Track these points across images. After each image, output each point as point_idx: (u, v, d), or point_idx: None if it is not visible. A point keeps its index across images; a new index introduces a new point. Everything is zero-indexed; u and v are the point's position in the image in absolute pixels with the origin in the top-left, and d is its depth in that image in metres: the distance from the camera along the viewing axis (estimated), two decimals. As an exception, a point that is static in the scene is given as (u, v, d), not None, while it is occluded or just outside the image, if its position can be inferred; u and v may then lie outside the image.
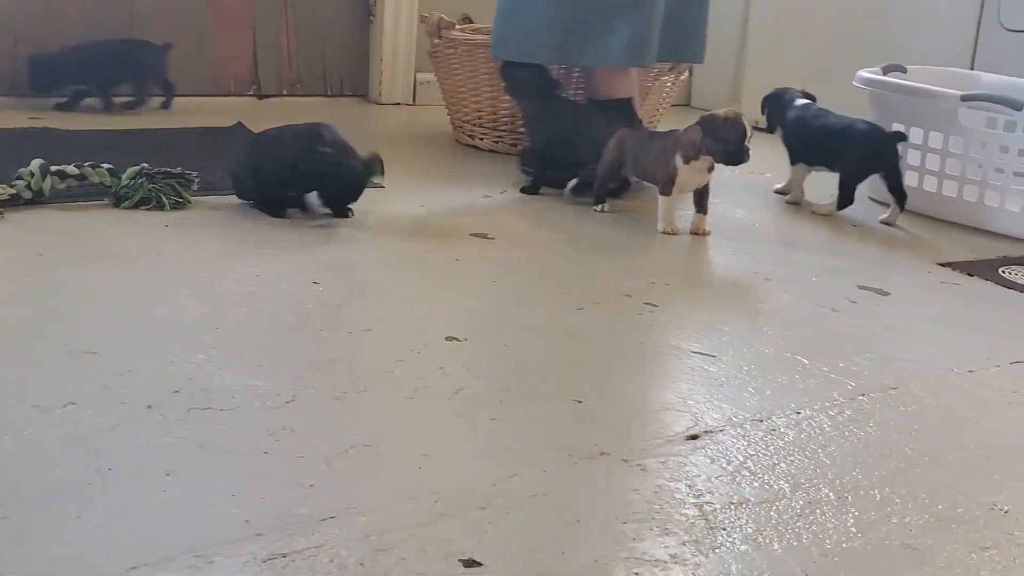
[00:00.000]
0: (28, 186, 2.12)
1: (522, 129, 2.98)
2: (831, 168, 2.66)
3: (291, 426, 1.32)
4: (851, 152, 2.59)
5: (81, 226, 2.07)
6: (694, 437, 1.39)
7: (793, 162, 2.75)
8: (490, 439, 1.34)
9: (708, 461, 1.32)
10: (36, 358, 1.47)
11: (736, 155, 2.25)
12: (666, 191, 2.34)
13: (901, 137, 2.59)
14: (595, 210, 2.45)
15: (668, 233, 2.33)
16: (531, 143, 2.78)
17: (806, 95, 2.83)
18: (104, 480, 1.15)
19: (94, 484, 1.14)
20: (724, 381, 1.58)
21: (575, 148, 2.59)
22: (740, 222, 2.57)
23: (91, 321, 1.62)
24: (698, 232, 2.35)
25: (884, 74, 2.90)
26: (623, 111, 2.71)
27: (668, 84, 3.18)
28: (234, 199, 2.30)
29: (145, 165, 2.21)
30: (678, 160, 2.31)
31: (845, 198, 2.61)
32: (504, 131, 3.09)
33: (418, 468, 1.24)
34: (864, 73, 2.88)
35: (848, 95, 2.96)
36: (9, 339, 1.53)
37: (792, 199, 2.75)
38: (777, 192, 2.82)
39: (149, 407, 1.34)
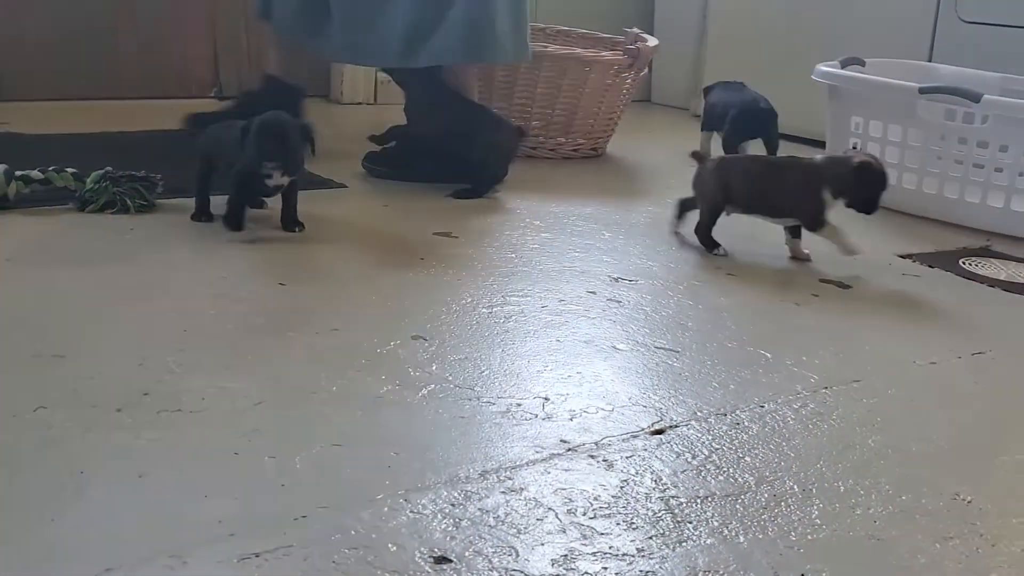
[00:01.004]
0: (-8, 192, 2.11)
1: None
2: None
3: (261, 427, 1.33)
4: (729, 118, 2.99)
5: (46, 231, 2.06)
6: (659, 432, 1.41)
7: (702, 128, 3.19)
8: (461, 437, 1.35)
9: (673, 456, 1.35)
10: (5, 363, 1.46)
11: (872, 204, 2.19)
12: (818, 224, 2.22)
13: (774, 114, 2.96)
14: (716, 254, 2.26)
15: (853, 254, 2.24)
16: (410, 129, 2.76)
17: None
18: (78, 483, 1.16)
19: (68, 487, 1.15)
20: (688, 376, 1.61)
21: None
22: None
23: (58, 325, 1.62)
24: (799, 257, 2.27)
25: (842, 67, 2.95)
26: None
27: (628, 80, 3.20)
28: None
29: (109, 169, 2.20)
30: (827, 194, 2.19)
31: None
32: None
33: (387, 467, 1.25)
34: (823, 67, 2.93)
35: (807, 89, 3.01)
36: (-25, 344, 1.53)
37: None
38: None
39: (119, 410, 1.34)
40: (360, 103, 3.82)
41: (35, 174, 2.18)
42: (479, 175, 2.62)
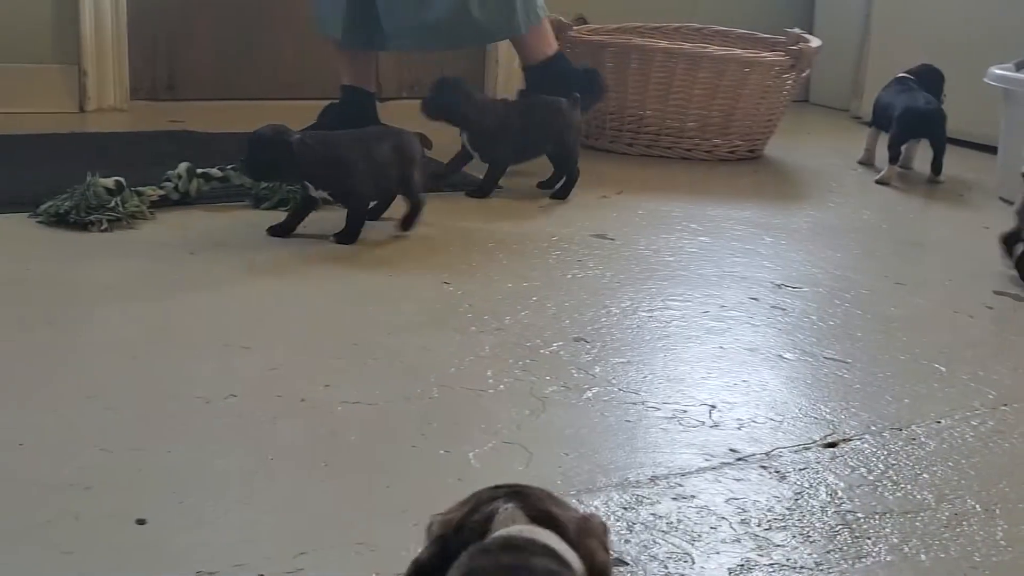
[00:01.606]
0: (176, 188, 2.23)
1: (638, 128, 2.99)
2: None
3: (435, 422, 1.36)
4: (896, 117, 2.91)
5: (225, 226, 2.16)
6: (832, 445, 1.39)
7: (869, 125, 3.14)
8: (628, 441, 1.36)
9: (848, 470, 1.32)
10: (197, 352, 1.55)
11: None
12: None
13: (942, 115, 2.89)
14: None
15: None
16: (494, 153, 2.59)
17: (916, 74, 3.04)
18: (268, 469, 1.21)
19: (259, 473, 1.21)
20: (860, 388, 1.57)
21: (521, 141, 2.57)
22: (866, 223, 2.54)
23: (241, 317, 1.70)
24: None
25: (1017, 70, 2.82)
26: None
27: (789, 82, 3.14)
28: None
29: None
30: None
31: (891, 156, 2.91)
32: (622, 131, 3.10)
33: (558, 467, 1.27)
34: (996, 69, 2.81)
35: (979, 92, 2.89)
36: (169, 334, 1.62)
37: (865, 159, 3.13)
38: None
39: (303, 400, 1.40)
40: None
41: (214, 172, 2.29)
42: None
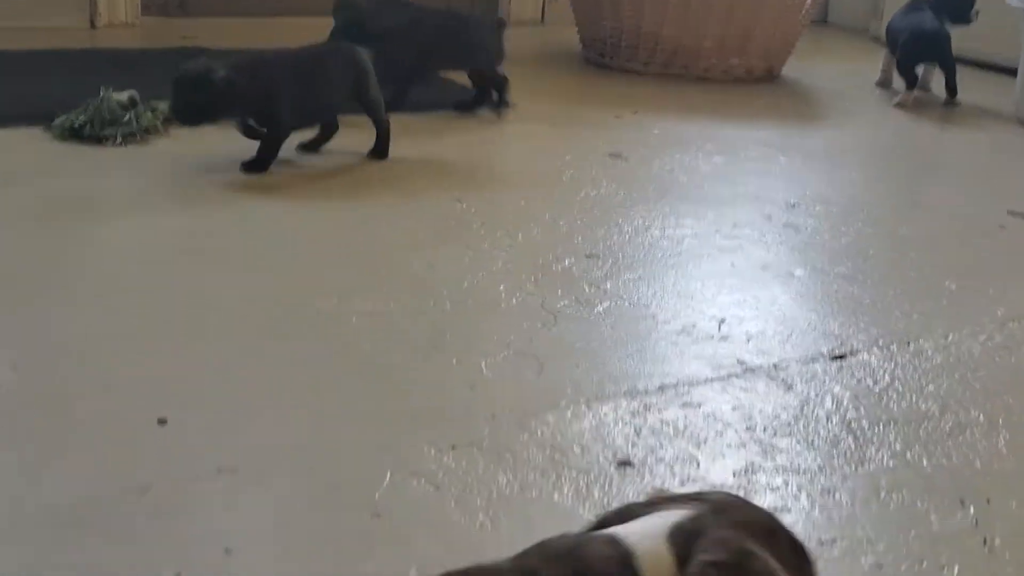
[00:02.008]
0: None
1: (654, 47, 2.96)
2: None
3: (448, 332, 1.38)
4: (900, 42, 2.88)
5: (239, 143, 2.15)
6: (840, 357, 1.40)
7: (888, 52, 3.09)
8: (637, 352, 1.38)
9: (854, 381, 1.34)
10: (215, 268, 1.57)
11: None
12: None
13: (945, 36, 2.83)
14: None
15: None
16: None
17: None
18: (284, 376, 1.24)
19: (276, 379, 1.23)
20: (869, 304, 1.58)
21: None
22: (882, 145, 2.53)
23: (256, 235, 1.71)
24: None
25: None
26: None
27: (807, 2, 3.09)
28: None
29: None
30: None
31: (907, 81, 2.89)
32: (638, 50, 3.07)
33: (568, 376, 1.29)
34: (1020, -9, 2.76)
35: (1003, 13, 2.84)
36: (186, 250, 1.63)
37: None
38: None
39: (317, 311, 1.42)
40: (527, 22, 3.82)
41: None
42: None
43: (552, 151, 2.29)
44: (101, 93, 2.11)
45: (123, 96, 2.12)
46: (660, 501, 0.76)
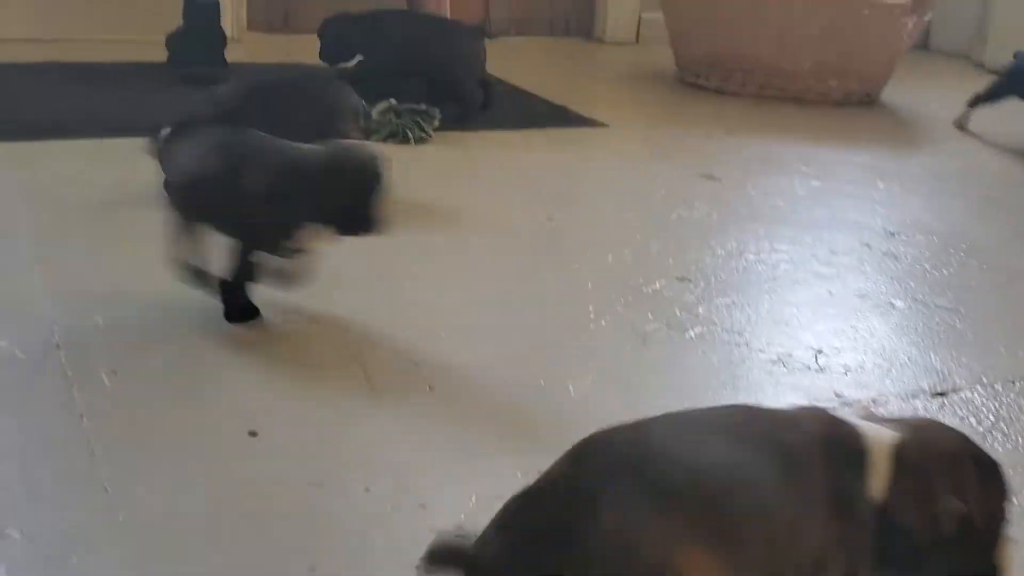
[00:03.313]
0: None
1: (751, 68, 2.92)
2: None
3: (535, 352, 1.37)
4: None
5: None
6: (941, 394, 1.35)
7: None
8: (731, 382, 1.35)
9: (957, 420, 1.29)
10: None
11: None
12: None
13: None
14: None
15: None
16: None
17: None
18: (374, 392, 1.24)
19: (364, 395, 1.23)
20: (971, 338, 1.53)
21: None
22: (985, 172, 2.44)
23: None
24: None
25: None
26: None
27: (909, 25, 3.02)
28: (473, 135, 2.38)
29: (393, 101, 2.30)
30: None
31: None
32: (734, 71, 3.03)
33: (655, 405, 1.27)
34: None
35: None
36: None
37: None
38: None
39: (407, 328, 1.42)
40: (622, 42, 3.80)
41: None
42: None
43: (645, 171, 2.27)
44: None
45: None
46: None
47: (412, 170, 2.12)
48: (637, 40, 3.82)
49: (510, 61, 3.27)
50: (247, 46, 3.25)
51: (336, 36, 2.47)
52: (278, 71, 2.83)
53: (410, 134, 2.27)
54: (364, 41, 2.43)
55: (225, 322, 1.37)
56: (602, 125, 2.63)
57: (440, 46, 2.46)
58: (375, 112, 2.28)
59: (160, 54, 2.75)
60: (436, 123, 2.34)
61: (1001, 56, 3.56)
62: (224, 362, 1.29)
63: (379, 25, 2.48)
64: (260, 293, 1.39)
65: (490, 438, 1.16)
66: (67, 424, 1.13)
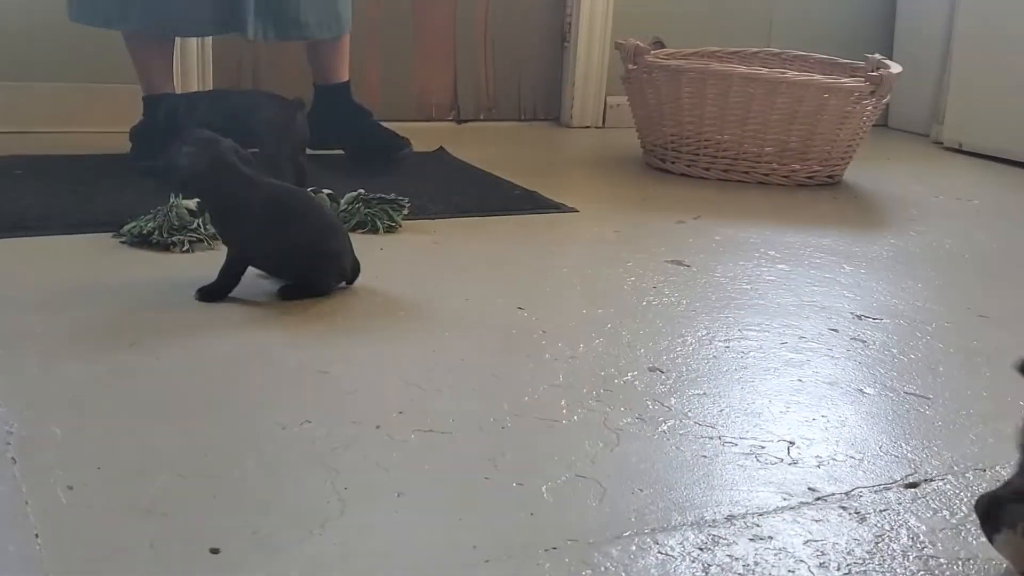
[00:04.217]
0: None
1: (715, 152, 2.97)
2: None
3: (507, 453, 1.36)
4: None
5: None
6: (913, 485, 1.35)
7: None
8: (704, 478, 1.34)
9: (930, 512, 1.29)
10: (275, 377, 1.57)
11: None
12: None
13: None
14: None
15: None
16: None
17: None
18: (341, 499, 1.22)
19: (332, 502, 1.21)
20: (942, 426, 1.53)
21: None
22: (948, 252, 2.48)
23: (322, 341, 1.72)
24: None
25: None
26: None
27: (869, 108, 3.09)
28: (442, 222, 2.40)
29: (362, 191, 2.32)
30: None
31: None
32: (699, 155, 3.08)
33: (632, 504, 1.26)
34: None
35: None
36: (250, 359, 1.64)
37: None
38: None
39: (377, 427, 1.41)
40: (588, 126, 3.86)
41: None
42: None
43: (613, 256, 2.29)
44: (171, 200, 2.16)
45: (191, 203, 2.16)
46: None
47: (379, 260, 2.12)
48: (603, 124, 3.88)
49: (479, 146, 3.32)
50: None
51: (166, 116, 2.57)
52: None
53: (379, 223, 2.29)
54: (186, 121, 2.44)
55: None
56: (571, 210, 2.65)
57: (253, 120, 2.49)
58: (343, 202, 2.30)
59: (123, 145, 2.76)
60: (405, 211, 2.35)
61: (956, 135, 3.67)
62: (186, 476, 1.27)
63: (194, 106, 2.57)
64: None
65: (463, 545, 1.14)
66: (22, 542, 1.10)
